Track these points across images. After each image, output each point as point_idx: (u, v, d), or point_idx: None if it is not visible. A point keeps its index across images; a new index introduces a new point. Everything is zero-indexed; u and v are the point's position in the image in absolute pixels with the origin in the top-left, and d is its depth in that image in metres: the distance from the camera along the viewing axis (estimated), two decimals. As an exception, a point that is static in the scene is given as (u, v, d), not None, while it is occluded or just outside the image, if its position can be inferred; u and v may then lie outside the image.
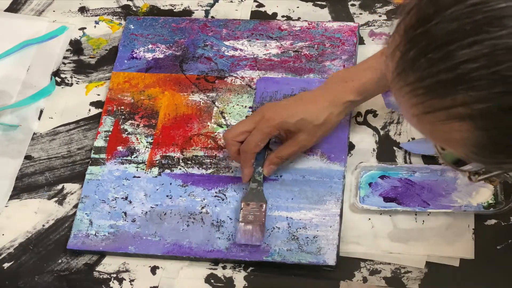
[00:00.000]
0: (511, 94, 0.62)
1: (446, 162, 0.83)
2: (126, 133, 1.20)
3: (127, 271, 1.09)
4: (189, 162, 1.16)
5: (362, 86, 1.08)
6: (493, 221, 1.07)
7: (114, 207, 1.13)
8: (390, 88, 0.70)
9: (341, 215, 1.09)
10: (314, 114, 1.07)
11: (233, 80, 1.23)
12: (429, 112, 0.66)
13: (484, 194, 1.09)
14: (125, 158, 1.18)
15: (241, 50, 1.27)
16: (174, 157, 1.17)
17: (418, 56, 0.65)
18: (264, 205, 1.09)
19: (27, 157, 1.21)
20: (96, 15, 1.36)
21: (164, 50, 1.28)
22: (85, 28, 1.35)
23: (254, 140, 1.08)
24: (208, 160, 1.16)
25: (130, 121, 1.21)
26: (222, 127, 1.19)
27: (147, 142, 1.19)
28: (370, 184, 1.12)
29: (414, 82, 0.65)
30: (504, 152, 0.66)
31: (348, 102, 1.08)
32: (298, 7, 1.33)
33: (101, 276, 1.09)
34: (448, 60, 0.63)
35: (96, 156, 1.18)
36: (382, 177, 1.12)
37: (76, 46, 1.33)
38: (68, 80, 1.29)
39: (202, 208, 1.12)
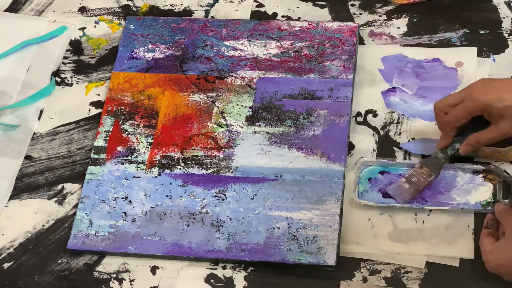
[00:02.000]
0: None
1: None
2: (126, 133, 1.20)
3: (127, 271, 1.09)
4: (189, 162, 1.16)
5: None
6: (493, 221, 1.07)
7: (114, 207, 1.13)
8: None
9: (341, 215, 1.09)
10: None
11: (233, 80, 1.23)
12: None
13: (483, 192, 1.09)
14: (125, 158, 1.18)
15: (241, 50, 1.27)
16: (174, 157, 1.17)
17: None
18: (433, 177, 1.08)
19: (27, 157, 1.21)
20: (96, 15, 1.36)
21: (164, 50, 1.28)
22: (85, 28, 1.35)
23: (455, 114, 1.05)
24: (208, 160, 1.16)
25: (130, 121, 1.21)
26: (222, 127, 1.19)
27: (147, 142, 1.19)
28: (369, 180, 1.12)
29: None
30: None
31: None
32: (298, 7, 1.33)
33: (101, 276, 1.09)
34: None
35: (96, 156, 1.18)
36: (382, 172, 1.12)
37: (76, 46, 1.33)
38: (68, 80, 1.29)
39: (202, 208, 1.12)
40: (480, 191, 1.09)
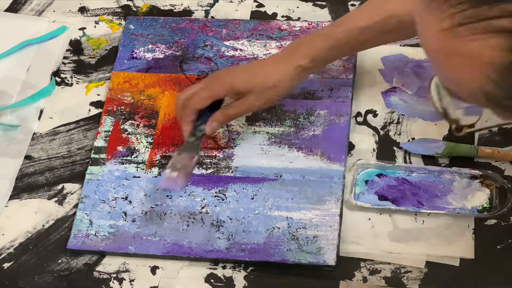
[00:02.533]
0: None
1: (435, 107, 0.75)
2: (126, 133, 1.20)
3: (127, 271, 1.09)
4: (189, 162, 1.16)
5: (313, 52, 1.07)
6: (493, 221, 1.07)
7: (114, 207, 1.13)
8: (417, 7, 0.65)
9: (341, 215, 1.09)
10: (265, 76, 1.07)
11: (233, 80, 1.23)
12: (466, 23, 0.61)
13: (479, 197, 1.09)
14: (125, 158, 1.18)
15: (241, 50, 1.27)
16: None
17: None
18: (196, 157, 1.09)
19: (27, 157, 1.21)
20: (96, 15, 1.36)
21: (164, 50, 1.28)
22: (85, 28, 1.35)
23: (198, 96, 1.08)
24: (208, 160, 1.16)
25: (130, 121, 1.21)
26: (222, 127, 1.19)
27: (147, 142, 1.19)
28: (366, 182, 1.12)
29: None
30: None
31: (300, 67, 1.07)
32: (298, 7, 1.33)
33: (101, 276, 1.09)
34: None
35: (96, 156, 1.18)
36: (379, 175, 1.12)
37: (76, 46, 1.33)
38: (68, 80, 1.29)
39: (202, 208, 1.12)
40: (476, 196, 1.09)
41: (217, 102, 1.09)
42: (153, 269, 1.09)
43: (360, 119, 1.19)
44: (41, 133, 1.23)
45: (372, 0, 1.08)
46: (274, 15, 1.32)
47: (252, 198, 1.12)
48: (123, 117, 1.22)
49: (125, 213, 1.12)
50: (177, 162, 1.08)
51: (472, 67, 0.63)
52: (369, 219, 1.09)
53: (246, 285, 1.06)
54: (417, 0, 0.95)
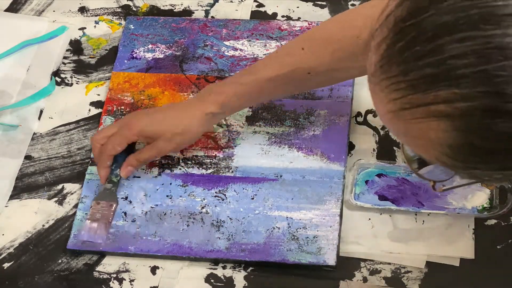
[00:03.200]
0: (495, 96, 0.60)
1: (412, 169, 0.81)
2: (126, 133, 1.20)
3: (127, 271, 1.09)
4: (189, 162, 1.16)
5: (224, 100, 1.08)
6: (493, 221, 1.07)
7: (114, 207, 1.13)
8: (368, 82, 0.68)
9: (341, 215, 1.09)
10: (174, 122, 1.09)
11: (233, 80, 1.23)
12: (408, 108, 0.63)
13: (479, 198, 1.09)
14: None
15: (241, 50, 1.27)
16: (174, 157, 1.17)
17: (405, 48, 0.62)
18: (114, 205, 1.12)
19: (27, 157, 1.21)
20: (96, 15, 1.36)
21: (164, 50, 1.28)
22: (85, 28, 1.35)
23: (112, 143, 1.10)
24: (208, 160, 1.16)
25: (130, 121, 1.21)
26: (222, 127, 1.19)
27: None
28: (366, 182, 1.12)
29: (397, 75, 0.63)
30: (478, 156, 0.64)
31: (210, 114, 1.09)
32: (298, 7, 1.33)
33: (101, 276, 1.09)
34: (436, 54, 0.61)
35: (96, 156, 1.18)
36: (379, 175, 1.12)
37: (76, 46, 1.33)
38: (68, 80, 1.29)
39: (202, 208, 1.12)
40: (477, 196, 1.09)
41: (130, 144, 1.12)
42: (153, 269, 1.09)
43: (360, 119, 1.19)
44: (41, 133, 1.23)
45: (279, 51, 1.09)
46: (274, 15, 1.32)
47: (252, 198, 1.12)
48: (123, 117, 1.22)
49: (125, 213, 1.12)
50: (96, 211, 1.11)
51: (424, 145, 0.66)
52: (369, 219, 1.09)
53: (246, 285, 1.06)
54: (328, 53, 0.98)
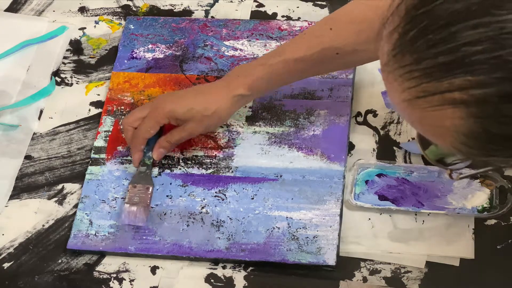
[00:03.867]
0: (511, 81, 0.60)
1: (428, 159, 0.81)
2: (126, 133, 1.20)
3: (127, 271, 1.09)
4: (189, 162, 1.16)
5: (252, 82, 1.09)
6: (493, 221, 1.07)
7: (114, 207, 1.13)
8: (381, 72, 0.68)
9: (341, 215, 1.09)
10: (204, 105, 1.10)
11: (233, 80, 1.23)
12: (422, 96, 0.63)
13: (479, 198, 1.09)
14: (125, 158, 1.18)
15: (241, 50, 1.27)
16: (174, 157, 1.17)
17: (417, 37, 0.62)
18: (151, 188, 1.12)
19: (27, 157, 1.21)
20: (96, 15, 1.36)
21: (164, 50, 1.28)
22: (85, 28, 1.35)
23: (145, 126, 1.11)
24: (208, 160, 1.16)
25: (130, 121, 1.21)
26: (222, 127, 1.19)
27: (147, 142, 1.19)
28: (366, 182, 1.12)
29: (410, 64, 0.63)
30: (494, 143, 0.64)
31: (238, 96, 1.10)
32: (298, 7, 1.33)
33: (101, 276, 1.09)
34: (449, 42, 0.61)
35: (96, 156, 1.18)
36: (379, 175, 1.12)
37: (76, 46, 1.33)
38: (68, 80, 1.29)
39: (202, 208, 1.12)
40: (476, 196, 1.09)
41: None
42: (153, 269, 1.09)
43: (360, 119, 1.19)
44: (41, 133, 1.23)
45: (308, 31, 1.09)
46: (274, 15, 1.32)
47: (252, 198, 1.12)
48: (123, 117, 1.22)
49: (125, 213, 1.12)
50: (133, 195, 1.11)
51: (440, 133, 0.66)
52: (369, 219, 1.09)
53: (246, 285, 1.06)
54: (354, 34, 0.98)
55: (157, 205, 1.13)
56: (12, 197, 1.17)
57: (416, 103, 0.64)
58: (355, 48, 1.04)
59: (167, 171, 1.16)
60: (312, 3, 1.33)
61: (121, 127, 1.17)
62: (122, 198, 1.14)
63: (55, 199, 1.17)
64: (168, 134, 1.13)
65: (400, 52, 0.64)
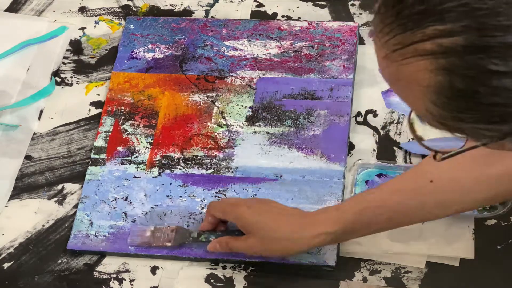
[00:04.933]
0: (475, 30, 0.59)
1: (413, 134, 0.79)
2: (126, 133, 1.20)
3: (127, 271, 1.09)
4: (189, 162, 1.16)
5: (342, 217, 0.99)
6: (493, 221, 1.07)
7: (114, 208, 1.13)
8: (373, 40, 0.68)
9: (341, 215, 1.09)
10: (281, 248, 1.00)
11: (233, 80, 1.23)
12: (398, 48, 0.63)
13: None
14: (125, 158, 1.18)
15: (241, 50, 1.27)
16: (174, 157, 1.17)
17: None
18: (170, 244, 1.07)
19: (27, 157, 1.21)
20: (96, 15, 1.36)
21: (164, 50, 1.28)
22: (85, 28, 1.35)
23: (211, 215, 1.06)
24: (208, 160, 1.16)
25: (130, 121, 1.21)
26: (222, 127, 1.19)
27: (147, 142, 1.19)
28: (366, 182, 1.12)
29: (390, 17, 0.64)
30: (461, 101, 0.63)
31: (324, 234, 0.98)
32: (298, 7, 1.33)
33: (101, 276, 1.09)
34: None
35: (96, 156, 1.18)
36: (379, 175, 1.12)
37: (76, 46, 1.33)
38: (68, 80, 1.29)
39: (202, 208, 1.12)
40: None
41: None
42: (153, 269, 1.09)
43: (360, 119, 1.19)
44: (41, 133, 1.23)
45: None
46: (274, 15, 1.32)
47: (252, 198, 1.12)
48: (123, 117, 1.22)
49: (125, 214, 1.12)
50: (162, 231, 1.08)
51: (413, 90, 0.65)
52: (369, 219, 1.09)
53: (246, 285, 1.06)
54: None
55: (157, 205, 1.13)
56: (12, 197, 1.17)
57: (393, 57, 0.64)
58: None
59: (167, 171, 1.16)
60: (312, 3, 1.33)
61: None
62: (122, 199, 1.14)
63: (55, 199, 1.17)
64: (231, 239, 1.04)
65: (383, 6, 0.65)
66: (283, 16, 1.32)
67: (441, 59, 0.61)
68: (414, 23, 0.62)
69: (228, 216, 1.04)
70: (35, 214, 1.15)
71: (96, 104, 1.26)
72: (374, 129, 1.18)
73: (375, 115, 1.19)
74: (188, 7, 1.35)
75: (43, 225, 1.14)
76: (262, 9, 1.33)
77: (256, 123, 1.19)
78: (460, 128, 0.67)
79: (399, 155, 1.14)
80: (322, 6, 1.32)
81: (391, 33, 0.64)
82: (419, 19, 0.62)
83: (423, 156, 1.13)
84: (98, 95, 1.27)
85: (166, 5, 1.36)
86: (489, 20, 0.59)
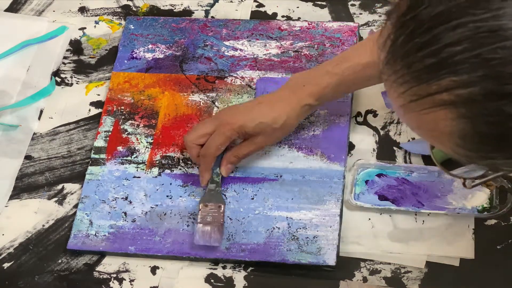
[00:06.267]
0: (493, 78, 0.60)
1: (437, 163, 0.82)
2: (126, 133, 1.20)
3: (127, 271, 1.09)
4: (189, 162, 1.16)
5: (320, 91, 1.08)
6: (493, 221, 1.07)
7: (114, 207, 1.13)
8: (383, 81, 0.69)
9: (341, 215, 1.09)
10: (273, 117, 1.08)
11: (233, 80, 1.23)
12: (414, 100, 0.64)
13: (479, 198, 1.09)
14: (125, 158, 1.18)
15: (241, 50, 1.27)
16: (174, 157, 1.17)
17: (406, 42, 0.64)
18: (223, 206, 1.09)
19: (27, 157, 1.21)
20: (96, 15, 1.36)
21: (164, 50, 1.28)
22: (85, 28, 1.35)
23: (215, 143, 1.09)
24: (208, 160, 1.16)
25: (130, 121, 1.21)
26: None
27: (147, 142, 1.19)
28: (366, 182, 1.12)
29: (402, 69, 0.65)
30: (489, 143, 0.64)
31: (306, 106, 1.08)
32: (298, 7, 1.33)
33: (101, 276, 1.09)
34: (433, 44, 0.62)
35: (96, 156, 1.18)
36: (379, 175, 1.12)
37: (76, 46, 1.33)
38: (68, 80, 1.29)
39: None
40: (476, 196, 1.09)
41: None
42: (153, 269, 1.09)
43: (360, 119, 1.19)
44: (41, 133, 1.23)
45: (368, 39, 1.08)
46: (274, 15, 1.32)
47: (252, 198, 1.12)
48: (123, 117, 1.22)
49: (125, 213, 1.12)
50: (206, 214, 1.08)
51: (438, 137, 0.67)
52: (369, 219, 1.09)
53: (246, 285, 1.06)
54: None
55: (157, 205, 1.13)
56: (12, 197, 1.17)
57: (411, 107, 0.65)
58: None
59: (167, 171, 1.16)
60: (312, 3, 1.33)
61: (186, 145, 1.12)
62: (122, 199, 1.14)
63: (55, 199, 1.17)
64: (236, 148, 1.11)
65: (392, 58, 0.66)
66: (283, 16, 1.32)
67: (461, 108, 0.62)
68: (428, 76, 0.63)
69: (232, 133, 1.08)
70: (35, 214, 1.15)
71: (96, 104, 1.26)
72: (374, 129, 1.18)
73: (375, 115, 1.19)
74: (188, 7, 1.35)
75: (43, 225, 1.14)
76: (262, 9, 1.33)
77: (256, 123, 1.19)
78: (491, 164, 0.68)
79: (399, 155, 1.14)
80: (322, 6, 1.32)
81: (405, 85, 0.65)
82: (432, 71, 0.63)
83: (423, 156, 1.13)
84: (98, 95, 1.27)
85: (166, 5, 1.36)
86: (505, 68, 0.60)
